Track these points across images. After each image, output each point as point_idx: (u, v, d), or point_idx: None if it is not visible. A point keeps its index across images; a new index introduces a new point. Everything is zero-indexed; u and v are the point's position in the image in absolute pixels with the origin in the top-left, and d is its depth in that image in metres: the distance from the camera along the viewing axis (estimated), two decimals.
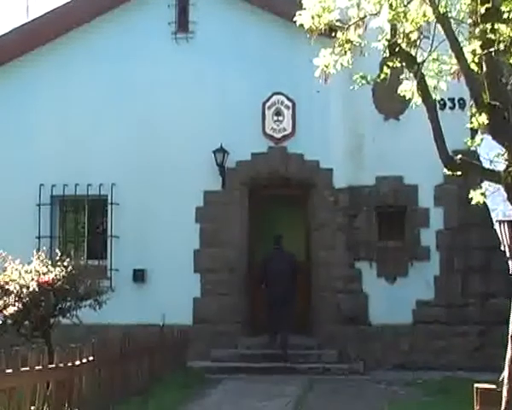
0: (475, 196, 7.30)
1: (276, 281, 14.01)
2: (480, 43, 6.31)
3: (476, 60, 6.46)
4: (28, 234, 14.63)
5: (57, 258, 11.39)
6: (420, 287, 14.19)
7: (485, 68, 6.47)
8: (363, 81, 7.37)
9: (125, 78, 15.07)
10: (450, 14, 6.73)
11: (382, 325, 14.22)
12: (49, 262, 11.22)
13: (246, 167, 14.84)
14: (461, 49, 6.58)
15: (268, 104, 14.88)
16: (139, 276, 14.83)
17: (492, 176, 6.84)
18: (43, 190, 15.08)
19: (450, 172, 6.94)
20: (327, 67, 7.00)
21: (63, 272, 10.93)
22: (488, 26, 6.13)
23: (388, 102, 13.67)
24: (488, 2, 6.17)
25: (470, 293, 14.18)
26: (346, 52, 7.00)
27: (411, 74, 6.97)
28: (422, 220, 14.42)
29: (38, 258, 11.19)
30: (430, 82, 7.13)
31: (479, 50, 6.34)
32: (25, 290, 10.59)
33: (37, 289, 10.63)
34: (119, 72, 15.10)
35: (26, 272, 10.87)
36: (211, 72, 14.90)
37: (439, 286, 14.27)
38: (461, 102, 14.15)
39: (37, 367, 7.83)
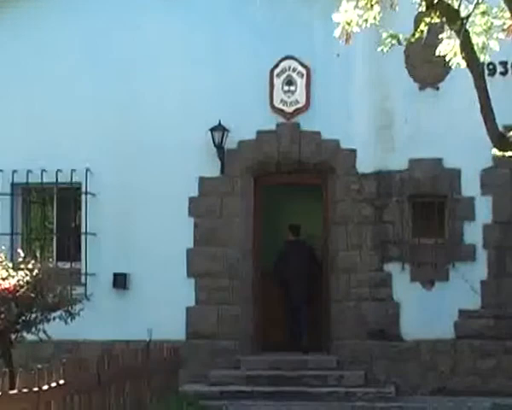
0: None
1: (295, 280, 14.86)
2: None
3: None
4: None
5: (20, 260, 11.42)
6: (463, 294, 14.17)
7: None
8: (394, 42, 7.34)
9: (100, 40, 14.98)
10: None
11: (417, 340, 14.22)
12: (10, 265, 11.24)
13: (250, 149, 14.82)
14: None
15: (277, 71, 14.84)
16: (120, 281, 14.84)
17: None
18: (1, 177, 15.09)
19: (500, 153, 6.91)
20: (349, 24, 6.98)
21: (27, 277, 10.94)
22: None
23: (425, 68, 13.68)
24: None
25: None
26: (372, 5, 6.97)
27: (453, 32, 6.92)
28: (466, 212, 14.38)
29: None
30: (477, 41, 7.08)
31: None
32: None
33: None
34: (93, 33, 15.01)
35: None
36: (205, 32, 14.83)
37: (487, 293, 14.25)
38: None
39: None
